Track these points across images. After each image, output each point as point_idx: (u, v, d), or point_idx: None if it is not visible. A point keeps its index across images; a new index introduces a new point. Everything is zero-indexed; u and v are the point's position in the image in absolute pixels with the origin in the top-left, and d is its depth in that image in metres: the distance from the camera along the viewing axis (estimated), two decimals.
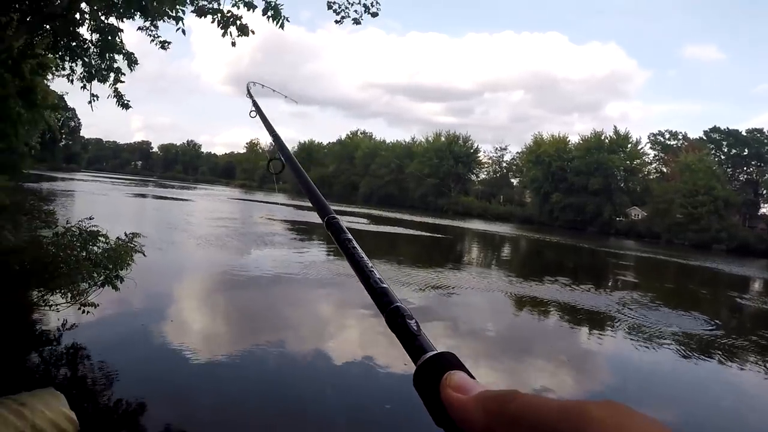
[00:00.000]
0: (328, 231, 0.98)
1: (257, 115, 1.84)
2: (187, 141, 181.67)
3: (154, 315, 9.45)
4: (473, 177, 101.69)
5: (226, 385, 6.51)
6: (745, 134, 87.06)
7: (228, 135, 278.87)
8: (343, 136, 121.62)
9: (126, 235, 7.91)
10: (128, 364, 6.71)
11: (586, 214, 77.08)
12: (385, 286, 0.71)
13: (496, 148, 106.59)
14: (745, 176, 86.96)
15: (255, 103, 1.88)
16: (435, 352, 0.58)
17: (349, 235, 0.91)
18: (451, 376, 0.54)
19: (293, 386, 6.75)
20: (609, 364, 10.09)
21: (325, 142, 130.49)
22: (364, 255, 0.83)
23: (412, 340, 0.61)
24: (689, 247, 60.07)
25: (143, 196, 49.76)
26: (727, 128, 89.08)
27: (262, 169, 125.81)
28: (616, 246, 48.80)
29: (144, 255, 8.13)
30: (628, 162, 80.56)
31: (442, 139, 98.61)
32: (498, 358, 9.60)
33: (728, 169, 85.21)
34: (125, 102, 10.79)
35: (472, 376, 0.54)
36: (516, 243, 41.90)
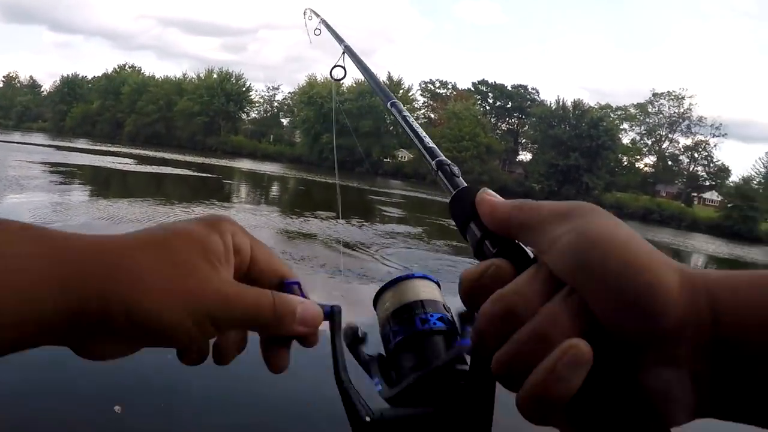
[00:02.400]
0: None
1: None
2: None
3: None
4: (244, 116, 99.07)
5: None
6: (510, 89, 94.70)
7: None
8: (110, 70, 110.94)
9: None
10: None
11: (356, 155, 78.43)
12: (432, 145, 0.85)
13: (269, 88, 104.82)
14: (507, 126, 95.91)
15: None
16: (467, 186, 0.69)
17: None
18: (487, 190, 0.64)
19: None
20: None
21: (90, 76, 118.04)
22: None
23: (451, 179, 0.72)
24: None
25: None
26: (495, 82, 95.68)
27: (19, 106, 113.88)
28: (383, 185, 51.08)
29: None
30: None
31: (215, 76, 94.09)
32: None
33: (492, 119, 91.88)
34: None
35: None
36: (285, 182, 41.95)
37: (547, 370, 0.42)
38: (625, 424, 0.44)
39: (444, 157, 0.76)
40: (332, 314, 0.62)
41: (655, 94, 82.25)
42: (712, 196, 74.81)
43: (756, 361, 0.42)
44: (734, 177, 75.00)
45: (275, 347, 0.61)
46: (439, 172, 0.73)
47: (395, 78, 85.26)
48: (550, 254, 0.48)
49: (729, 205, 62.10)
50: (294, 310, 0.58)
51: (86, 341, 0.51)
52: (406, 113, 0.99)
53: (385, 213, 26.42)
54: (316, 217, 18.77)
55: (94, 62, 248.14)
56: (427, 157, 0.79)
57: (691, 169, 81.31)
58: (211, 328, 0.54)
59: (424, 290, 0.63)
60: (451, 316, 0.61)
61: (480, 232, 0.59)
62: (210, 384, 5.30)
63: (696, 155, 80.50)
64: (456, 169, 0.72)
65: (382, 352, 0.62)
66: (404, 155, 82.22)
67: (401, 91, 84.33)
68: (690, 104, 79.11)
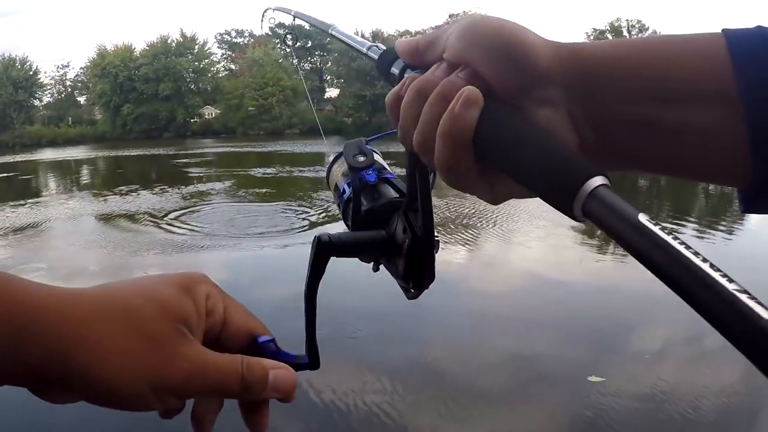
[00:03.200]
0: None
1: None
2: None
3: None
4: (37, 102, 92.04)
5: None
6: (308, 28, 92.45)
7: None
8: None
9: None
10: None
11: (160, 120, 77.23)
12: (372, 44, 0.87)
13: (58, 66, 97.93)
14: (310, 65, 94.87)
15: None
16: None
17: None
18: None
19: None
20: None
21: None
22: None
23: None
24: (265, 136, 65.96)
25: None
26: (291, 24, 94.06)
27: None
28: (193, 146, 51.68)
29: None
30: (196, 63, 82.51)
31: None
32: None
33: (294, 61, 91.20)
34: None
35: None
36: (93, 164, 41.32)
37: (449, 114, 0.55)
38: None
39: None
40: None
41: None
42: None
43: (616, 97, 0.57)
44: None
45: (253, 409, 0.61)
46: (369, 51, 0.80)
47: (188, 34, 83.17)
48: (448, 46, 0.60)
49: None
50: (265, 377, 0.58)
51: (43, 393, 0.52)
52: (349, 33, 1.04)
53: (192, 174, 27.09)
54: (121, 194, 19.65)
55: None
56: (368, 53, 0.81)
57: None
58: (173, 399, 0.55)
59: (360, 158, 0.81)
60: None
61: (400, 67, 0.69)
62: None
63: None
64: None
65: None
66: (210, 112, 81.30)
67: (197, 47, 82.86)
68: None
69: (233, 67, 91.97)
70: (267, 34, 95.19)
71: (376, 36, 71.54)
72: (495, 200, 0.62)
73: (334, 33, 1.14)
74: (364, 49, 0.83)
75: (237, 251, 11.56)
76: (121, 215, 15.75)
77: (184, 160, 35.55)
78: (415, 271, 0.70)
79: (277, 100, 72.09)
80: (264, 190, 19.22)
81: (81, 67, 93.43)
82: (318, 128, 68.53)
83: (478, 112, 0.55)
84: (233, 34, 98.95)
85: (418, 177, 0.68)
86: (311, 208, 15.47)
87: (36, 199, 20.70)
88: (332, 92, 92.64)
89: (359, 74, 68.87)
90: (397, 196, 0.77)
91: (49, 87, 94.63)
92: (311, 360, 0.67)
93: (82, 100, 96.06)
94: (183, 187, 21.33)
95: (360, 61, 74.66)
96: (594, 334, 6.78)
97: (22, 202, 19.66)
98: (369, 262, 0.79)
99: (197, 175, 26.56)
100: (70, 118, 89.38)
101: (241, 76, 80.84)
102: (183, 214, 15.24)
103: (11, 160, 45.64)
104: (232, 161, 35.17)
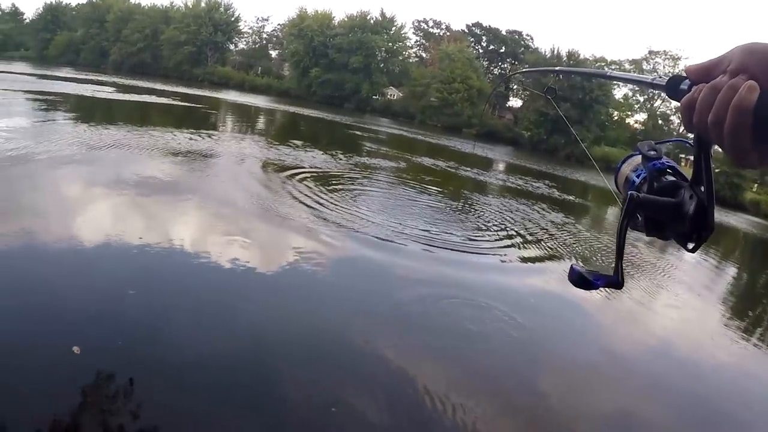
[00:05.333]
0: None
1: None
2: None
3: None
4: (232, 47, 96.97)
5: None
6: (504, 33, 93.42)
7: None
8: None
9: None
10: None
11: (345, 90, 78.43)
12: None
13: (258, 19, 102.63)
14: (500, 71, 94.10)
15: None
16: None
17: None
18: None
19: None
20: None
21: (74, 3, 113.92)
22: None
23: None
24: (441, 129, 65.00)
25: None
26: (489, 25, 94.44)
27: (0, 35, 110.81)
28: (371, 122, 51.20)
29: None
30: (390, 44, 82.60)
31: (203, 4, 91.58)
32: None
33: (485, 62, 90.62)
34: None
35: None
36: (272, 114, 41.31)
37: (738, 96, 0.78)
38: None
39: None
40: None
41: (651, 52, 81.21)
42: None
43: None
44: None
45: None
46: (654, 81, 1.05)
47: (388, 15, 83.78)
48: (733, 60, 0.84)
49: (716, 170, 61.74)
50: None
51: None
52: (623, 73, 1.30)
53: (367, 147, 26.54)
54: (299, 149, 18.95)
55: None
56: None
57: (680, 130, 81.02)
58: None
59: (651, 153, 1.08)
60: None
61: (687, 84, 0.94)
62: (167, 323, 5.33)
63: None
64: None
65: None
66: (394, 93, 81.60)
67: (393, 29, 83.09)
68: (685, 65, 78.71)
69: (424, 55, 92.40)
70: (463, 31, 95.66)
71: (571, 55, 69.46)
72: (763, 165, 0.83)
73: (613, 74, 1.35)
74: (649, 79, 1.08)
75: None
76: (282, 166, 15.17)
77: (367, 134, 35.32)
78: (698, 226, 0.95)
79: (461, 97, 70.81)
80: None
81: (279, 24, 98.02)
82: (497, 134, 68.69)
83: (756, 95, 0.77)
84: (430, 23, 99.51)
85: (703, 155, 0.94)
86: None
87: (211, 132, 20.60)
88: (515, 102, 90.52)
89: (547, 92, 66.31)
90: (680, 178, 1.04)
91: (246, 35, 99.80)
92: (621, 280, 1.01)
93: (274, 54, 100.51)
94: (354, 155, 20.90)
95: (550, 77, 73.74)
96: None
97: (200, 131, 19.71)
98: (653, 234, 1.04)
99: (370, 148, 26.01)
100: (259, 68, 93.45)
101: (431, 66, 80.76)
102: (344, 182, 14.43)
103: (199, 93, 47.52)
104: (406, 145, 34.31)
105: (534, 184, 24.96)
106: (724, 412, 6.18)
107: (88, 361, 4.35)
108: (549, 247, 11.98)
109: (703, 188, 0.94)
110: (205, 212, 9.53)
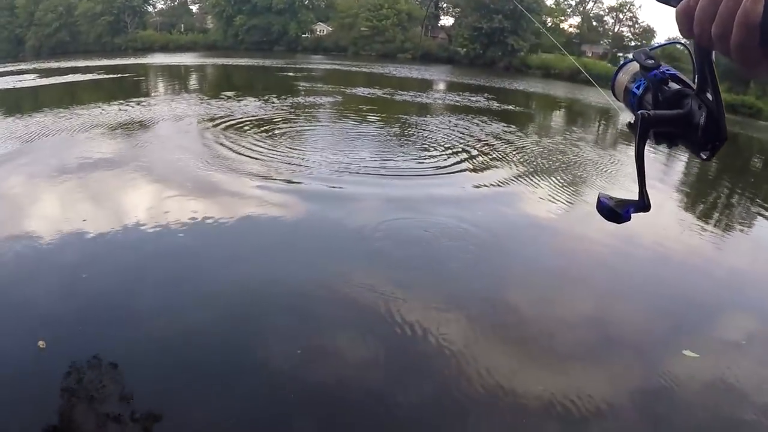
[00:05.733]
0: None
1: None
2: None
3: None
4: (150, 8, 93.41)
5: None
6: None
7: None
8: None
9: None
10: None
11: (272, 34, 76.86)
12: None
13: None
14: None
15: None
16: None
17: None
18: None
19: None
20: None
21: None
22: None
23: None
24: (376, 58, 64.30)
25: None
26: None
27: None
28: (304, 61, 50.63)
29: None
30: None
31: None
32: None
33: None
34: None
35: None
36: (202, 70, 40.49)
37: (743, 7, 0.71)
38: None
39: None
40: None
41: None
42: None
43: None
44: (660, 37, 75.58)
45: None
46: None
47: None
48: None
49: None
50: None
51: None
52: None
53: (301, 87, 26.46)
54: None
55: None
56: None
57: (616, 30, 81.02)
58: None
59: (649, 62, 1.03)
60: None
61: None
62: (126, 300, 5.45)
63: (621, 16, 79.81)
64: None
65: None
66: (323, 29, 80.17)
67: None
68: None
69: None
70: None
71: None
72: None
73: None
74: None
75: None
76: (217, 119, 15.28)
77: (302, 74, 35.08)
78: (711, 137, 0.93)
79: (392, 23, 69.83)
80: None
81: None
82: (432, 55, 68.54)
83: (762, 6, 0.70)
84: None
85: (706, 62, 0.89)
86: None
87: (141, 99, 20.41)
88: (447, 20, 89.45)
89: (478, 5, 65.86)
90: (683, 86, 0.99)
91: None
92: (647, 203, 0.97)
93: (194, 8, 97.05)
94: (290, 97, 20.96)
95: None
96: None
97: (129, 101, 19.50)
98: (663, 143, 1.01)
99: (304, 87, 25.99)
100: (182, 26, 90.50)
101: None
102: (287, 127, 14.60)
103: (124, 63, 46.28)
104: (340, 78, 34.19)
105: (472, 98, 25.55)
106: (690, 301, 6.59)
107: (55, 353, 4.48)
108: (493, 158, 12.48)
109: (710, 95, 0.93)
110: (144, 182, 9.65)
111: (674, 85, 1.00)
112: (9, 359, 4.45)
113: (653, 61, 1.03)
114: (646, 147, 0.98)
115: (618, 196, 0.99)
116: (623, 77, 1.11)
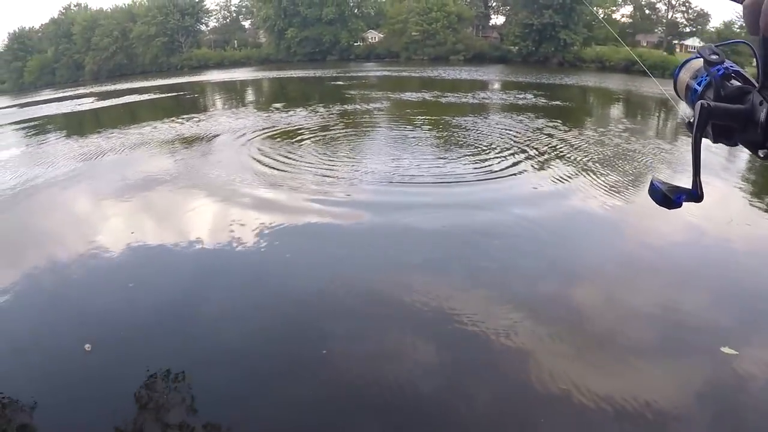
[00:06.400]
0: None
1: None
2: None
3: None
4: (203, 27, 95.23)
5: None
6: None
7: None
8: (56, 15, 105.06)
9: None
10: None
11: (324, 44, 77.42)
12: None
13: None
14: None
15: None
16: None
17: None
18: None
19: None
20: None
21: (37, 25, 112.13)
22: None
23: None
24: (428, 61, 64.10)
25: None
26: None
27: None
28: (357, 69, 50.86)
29: None
30: None
31: None
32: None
33: None
34: None
35: None
36: (258, 84, 40.75)
37: None
38: None
39: None
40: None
41: None
42: (694, 42, 72.02)
43: None
44: (715, 22, 72.79)
45: None
46: None
47: None
48: None
49: None
50: None
51: None
52: None
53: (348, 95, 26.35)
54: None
55: (36, 11, 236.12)
56: None
57: (669, 16, 78.46)
58: None
59: (713, 57, 1.04)
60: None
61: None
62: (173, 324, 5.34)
63: (673, 2, 77.51)
64: None
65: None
66: (374, 36, 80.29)
67: None
68: None
69: None
70: None
71: None
72: None
73: None
74: None
75: None
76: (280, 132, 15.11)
77: (356, 82, 35.01)
78: None
79: (442, 26, 69.34)
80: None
81: None
82: (484, 55, 67.59)
83: None
84: None
85: None
86: None
87: (193, 115, 20.54)
88: (497, 19, 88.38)
89: (527, 2, 64.48)
90: (746, 83, 1.00)
91: (214, 12, 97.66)
92: (700, 194, 0.98)
93: (246, 24, 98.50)
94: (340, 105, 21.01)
95: None
96: None
97: (190, 116, 19.78)
98: (721, 142, 1.02)
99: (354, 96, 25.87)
100: (235, 42, 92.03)
101: (405, 0, 79.14)
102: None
103: (180, 81, 47.02)
104: (394, 85, 33.94)
105: (526, 96, 25.08)
106: (761, 294, 5.97)
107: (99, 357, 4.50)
108: (554, 156, 11.90)
109: None
110: (203, 195, 9.61)
111: (736, 82, 1.00)
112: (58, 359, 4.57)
113: (718, 56, 1.03)
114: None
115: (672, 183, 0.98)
116: (684, 75, 1.12)
